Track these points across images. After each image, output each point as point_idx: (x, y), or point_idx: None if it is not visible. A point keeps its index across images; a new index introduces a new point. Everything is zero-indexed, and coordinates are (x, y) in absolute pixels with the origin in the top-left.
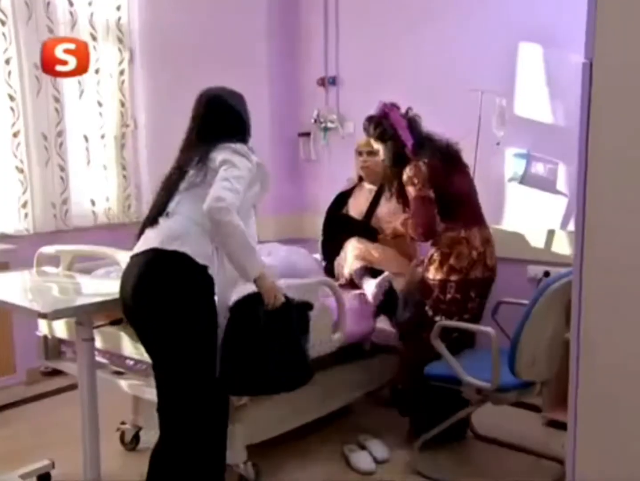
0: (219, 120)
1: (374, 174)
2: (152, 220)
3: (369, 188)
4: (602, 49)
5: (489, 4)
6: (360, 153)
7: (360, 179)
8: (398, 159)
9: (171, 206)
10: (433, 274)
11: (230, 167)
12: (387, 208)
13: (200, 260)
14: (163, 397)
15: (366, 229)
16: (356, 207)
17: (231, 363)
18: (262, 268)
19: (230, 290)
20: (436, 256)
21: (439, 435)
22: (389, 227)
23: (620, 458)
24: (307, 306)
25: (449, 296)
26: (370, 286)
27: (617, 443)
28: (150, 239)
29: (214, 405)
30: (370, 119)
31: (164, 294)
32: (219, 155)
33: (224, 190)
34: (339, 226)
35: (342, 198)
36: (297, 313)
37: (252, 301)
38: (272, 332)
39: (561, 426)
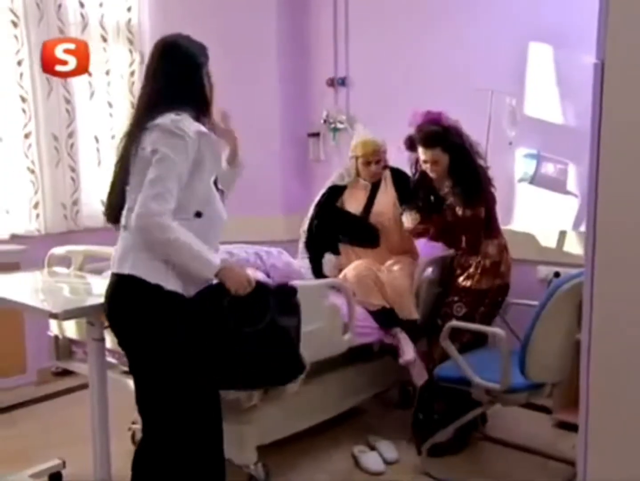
0: (157, 76)
1: (375, 178)
2: (112, 219)
3: (364, 184)
4: (613, 49)
5: (498, 4)
6: (368, 162)
7: (357, 175)
8: (461, 168)
9: (123, 218)
10: (487, 283)
11: (158, 160)
12: (385, 202)
13: (152, 279)
14: (144, 402)
15: (365, 227)
16: (354, 203)
17: (205, 360)
18: (217, 262)
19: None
20: (488, 265)
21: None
22: (387, 220)
23: (631, 460)
24: (289, 291)
25: (491, 301)
26: (409, 350)
27: (628, 444)
28: (113, 258)
29: (200, 406)
30: (436, 129)
31: (125, 322)
32: (148, 141)
33: (149, 201)
34: (335, 221)
35: (336, 192)
36: (276, 299)
37: (210, 294)
38: (244, 322)
39: (571, 427)
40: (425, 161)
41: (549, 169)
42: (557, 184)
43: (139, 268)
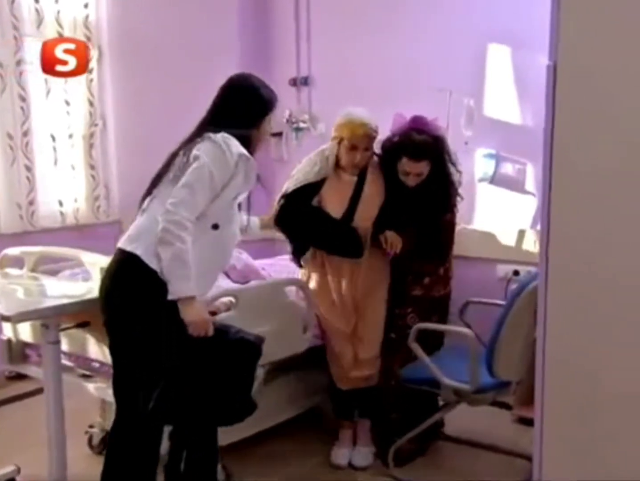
0: (229, 101)
1: (360, 167)
2: (139, 206)
3: (349, 179)
4: (565, 52)
5: (458, 5)
6: (355, 147)
7: (336, 167)
8: (439, 177)
9: (146, 202)
10: (439, 291)
11: (197, 167)
12: (372, 200)
13: (153, 265)
14: (118, 383)
15: (347, 234)
16: (336, 202)
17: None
18: (192, 291)
19: (203, 282)
20: (442, 273)
21: (413, 438)
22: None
23: (585, 456)
24: (252, 347)
25: (442, 308)
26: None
27: (582, 441)
28: (124, 235)
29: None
30: (427, 140)
31: (117, 300)
32: (197, 147)
33: (180, 205)
34: (308, 225)
35: (310, 190)
36: (234, 352)
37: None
38: (195, 362)
39: (531, 423)
40: (407, 173)
41: (507, 169)
42: (515, 184)
43: (144, 248)
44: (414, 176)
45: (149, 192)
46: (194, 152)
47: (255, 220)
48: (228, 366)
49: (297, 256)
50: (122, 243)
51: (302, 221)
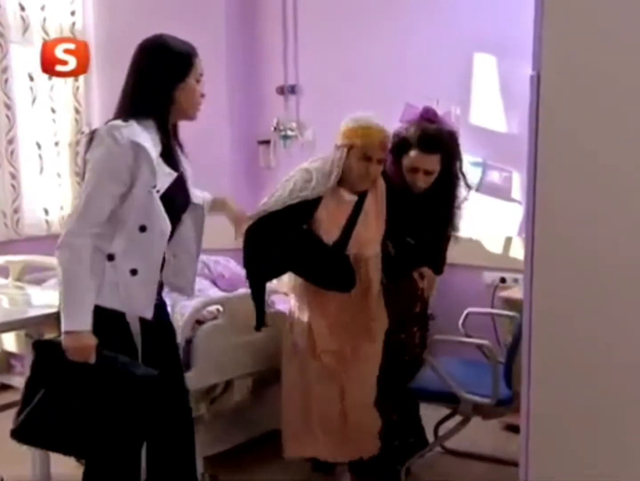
0: (141, 71)
1: (369, 183)
2: None
3: (348, 199)
4: (548, 62)
5: (445, 14)
6: (369, 158)
7: (338, 184)
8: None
9: None
10: (425, 304)
11: (88, 174)
12: (373, 224)
13: (111, 304)
14: None
15: (339, 262)
16: (332, 226)
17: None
18: (66, 328)
19: (144, 291)
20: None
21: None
22: (373, 254)
23: (571, 462)
24: (136, 381)
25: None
26: None
27: (568, 446)
28: None
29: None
30: (442, 130)
31: None
32: (89, 150)
33: (71, 218)
34: (295, 251)
35: (304, 209)
36: (118, 383)
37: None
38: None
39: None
40: (415, 169)
41: (494, 177)
42: (502, 192)
43: (101, 291)
44: (423, 174)
45: None
46: (87, 157)
47: (207, 198)
48: (108, 397)
49: (261, 280)
50: None
51: (283, 247)
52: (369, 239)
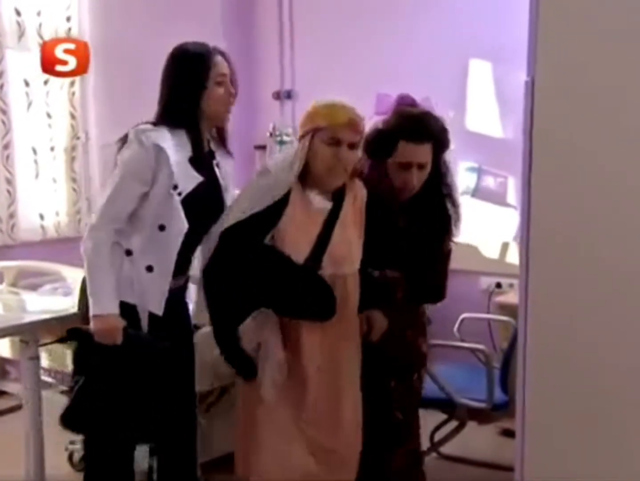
0: (168, 79)
1: (342, 177)
2: None
3: (319, 205)
4: (542, 68)
5: (440, 20)
6: (338, 142)
7: (301, 181)
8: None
9: None
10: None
11: (115, 172)
12: (352, 233)
13: (124, 297)
14: None
15: (314, 285)
16: (300, 239)
17: None
18: (94, 312)
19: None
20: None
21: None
22: (352, 271)
23: (566, 467)
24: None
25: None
26: None
27: (563, 451)
28: None
29: None
30: (431, 116)
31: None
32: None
33: (94, 216)
34: (259, 274)
35: (269, 215)
36: (143, 361)
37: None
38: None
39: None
40: (408, 164)
41: (489, 182)
42: (497, 197)
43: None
44: (417, 169)
45: None
46: (117, 157)
47: None
48: (140, 373)
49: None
50: None
51: (242, 271)
52: (347, 255)
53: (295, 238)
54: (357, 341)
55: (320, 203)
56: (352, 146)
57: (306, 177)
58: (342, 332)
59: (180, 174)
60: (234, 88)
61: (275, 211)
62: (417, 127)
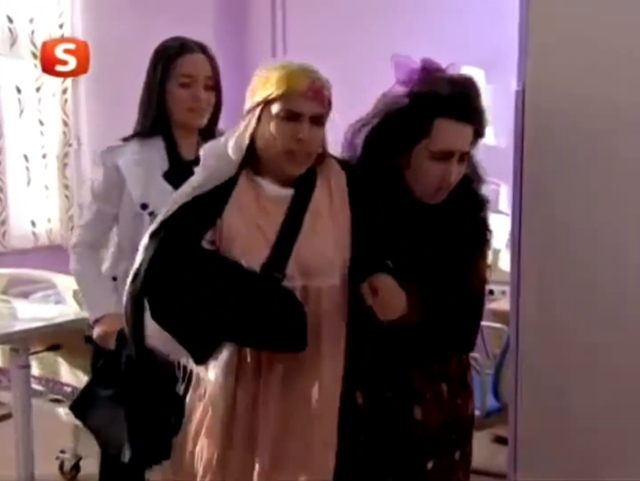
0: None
1: (304, 164)
2: None
3: (274, 194)
4: (532, 77)
5: (433, 29)
6: (296, 116)
7: (251, 168)
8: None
9: None
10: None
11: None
12: (325, 229)
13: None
14: None
15: (284, 301)
16: (251, 239)
17: None
18: (101, 311)
19: None
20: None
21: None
22: (328, 278)
23: (559, 473)
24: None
25: None
26: None
27: (556, 458)
28: None
29: None
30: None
31: None
32: None
33: (73, 237)
34: (203, 287)
35: (207, 209)
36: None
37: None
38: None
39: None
40: (447, 154)
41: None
42: (489, 204)
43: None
44: (458, 162)
45: None
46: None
47: None
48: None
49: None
50: None
51: (185, 284)
52: (322, 259)
53: (245, 237)
54: (332, 401)
55: (275, 190)
56: (316, 121)
57: (256, 163)
58: (306, 381)
59: (152, 192)
60: (215, 92)
61: (219, 198)
62: (463, 101)
